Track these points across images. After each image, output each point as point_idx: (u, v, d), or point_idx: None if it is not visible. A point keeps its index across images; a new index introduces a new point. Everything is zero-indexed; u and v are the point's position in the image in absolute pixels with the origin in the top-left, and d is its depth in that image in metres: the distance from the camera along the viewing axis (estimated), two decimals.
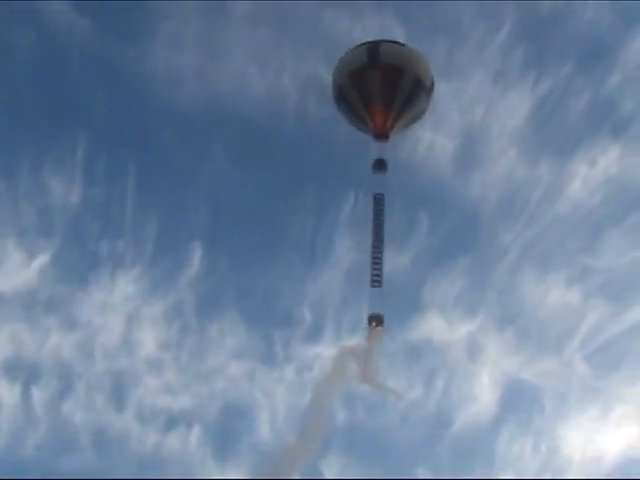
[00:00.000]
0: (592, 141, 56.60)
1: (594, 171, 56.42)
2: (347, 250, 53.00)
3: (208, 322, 55.51)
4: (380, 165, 39.55)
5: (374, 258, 38.87)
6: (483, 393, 53.32)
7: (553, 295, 54.85)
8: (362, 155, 52.96)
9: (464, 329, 53.93)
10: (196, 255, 56.11)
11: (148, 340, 54.85)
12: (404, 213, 49.64)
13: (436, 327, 52.86)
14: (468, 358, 53.71)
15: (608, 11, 55.13)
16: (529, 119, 55.79)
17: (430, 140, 51.98)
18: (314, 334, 52.36)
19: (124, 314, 55.17)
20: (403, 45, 39.01)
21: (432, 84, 39.15)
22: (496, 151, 55.68)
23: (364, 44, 38.87)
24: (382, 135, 39.55)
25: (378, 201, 39.54)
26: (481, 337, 54.05)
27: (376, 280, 38.56)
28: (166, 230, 56.70)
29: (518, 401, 54.52)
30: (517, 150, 55.76)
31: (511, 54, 54.43)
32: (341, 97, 39.74)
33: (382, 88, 38.44)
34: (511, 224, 55.58)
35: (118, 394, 52.95)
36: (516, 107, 55.47)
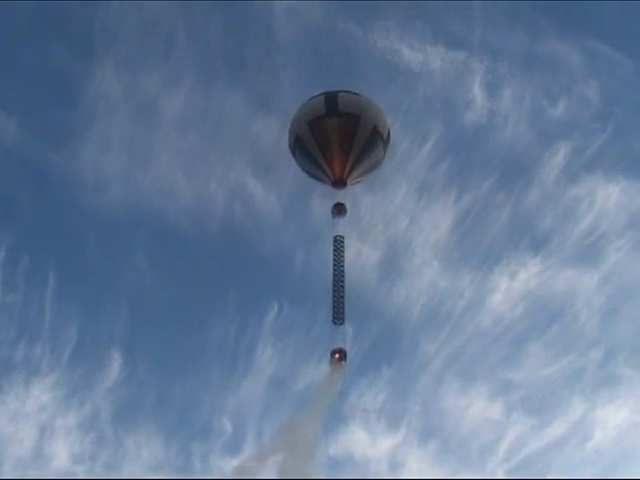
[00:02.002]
0: (512, 255, 58.36)
1: (514, 284, 57.84)
2: (269, 359, 54.64)
3: (124, 433, 54.08)
4: (339, 209, 40.34)
5: (335, 296, 39.15)
6: None
7: (475, 408, 55.07)
8: (288, 265, 55.41)
9: (387, 443, 53.48)
10: (115, 363, 55.35)
11: (61, 452, 53.05)
12: (327, 320, 50.65)
13: (358, 440, 52.12)
14: (390, 473, 52.76)
15: (527, 130, 58.46)
16: (451, 232, 57.39)
17: (355, 250, 51.38)
18: (234, 446, 51.81)
19: (37, 424, 53.74)
20: (360, 95, 40.02)
21: (389, 134, 40.24)
22: (419, 262, 56.78)
23: (322, 94, 39.76)
24: (340, 182, 40.22)
25: (338, 242, 40.14)
26: (403, 451, 53.61)
27: (338, 317, 38.85)
28: (85, 336, 56.04)
29: None
30: (440, 262, 57.03)
31: (435, 169, 56.31)
32: (298, 146, 40.32)
33: (340, 135, 39.07)
34: (434, 335, 56.04)
35: None
36: (439, 220, 57.19)
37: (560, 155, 58.25)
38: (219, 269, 57.98)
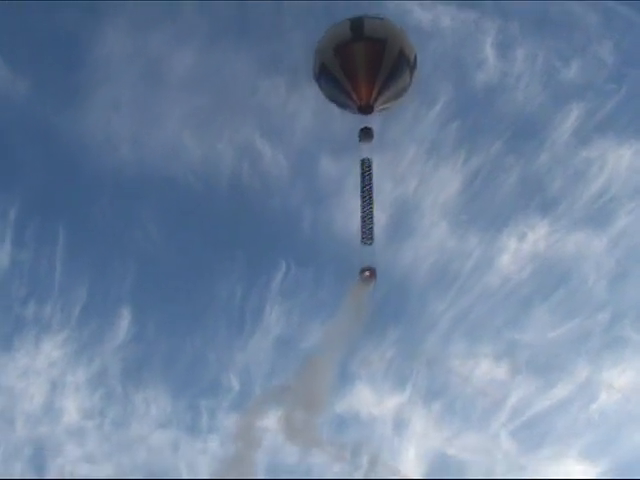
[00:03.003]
0: (521, 217, 58.20)
1: (523, 246, 57.78)
2: (277, 319, 54.64)
3: (133, 390, 54.43)
4: (366, 133, 40.13)
5: (364, 217, 39.51)
6: (409, 468, 51.25)
7: (480, 369, 54.67)
8: (296, 225, 55.25)
9: (392, 401, 53.44)
10: (123, 321, 55.53)
11: (71, 407, 53.35)
12: (334, 281, 50.53)
13: (364, 399, 52.21)
14: (394, 432, 52.85)
15: (539, 91, 58.12)
16: (460, 193, 57.34)
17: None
18: (241, 403, 51.75)
19: (47, 380, 53.91)
20: (386, 19, 39.80)
21: (415, 60, 39.89)
22: (428, 223, 56.80)
23: (346, 20, 39.51)
24: (367, 107, 39.89)
25: (366, 165, 40.03)
26: (408, 411, 53.67)
27: (367, 237, 39.07)
28: (94, 295, 56.18)
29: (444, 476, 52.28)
30: (448, 223, 57.03)
31: (444, 129, 56.02)
32: (323, 72, 39.92)
33: (366, 60, 38.81)
34: (441, 295, 55.92)
35: (38, 462, 51.31)
36: (448, 181, 56.98)
37: (572, 117, 58.13)
38: (227, 228, 58.11)
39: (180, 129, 58.08)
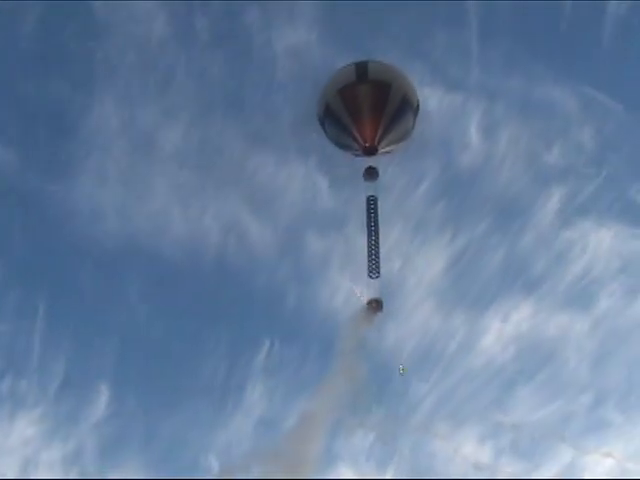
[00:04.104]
0: (505, 297, 58.40)
1: (507, 326, 57.82)
2: (259, 398, 54.18)
3: (109, 469, 52.63)
4: (371, 173, 40.58)
5: (370, 251, 39.68)
6: None
7: (464, 451, 52.09)
8: (281, 302, 55.15)
9: None
10: (102, 397, 54.48)
11: None
12: (318, 359, 51.28)
13: None
14: None
15: (522, 173, 59.14)
16: (445, 272, 56.74)
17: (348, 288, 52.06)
18: None
19: (20, 458, 52.49)
20: (390, 64, 40.61)
21: (418, 105, 40.41)
22: (412, 302, 55.67)
23: (352, 63, 40.22)
24: (371, 148, 40.27)
25: (372, 202, 40.59)
26: None
27: (374, 271, 39.48)
28: (73, 370, 55.20)
29: None
30: (433, 302, 56.39)
31: (430, 209, 56.11)
32: (328, 114, 40.37)
33: (371, 102, 39.34)
34: (425, 376, 54.56)
35: None
36: (433, 260, 56.28)
37: (554, 199, 58.96)
38: (211, 304, 57.21)
39: (167, 203, 58.09)
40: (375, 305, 39.42)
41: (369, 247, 39.88)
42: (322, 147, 50.39)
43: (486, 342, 57.42)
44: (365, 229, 40.43)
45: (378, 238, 39.93)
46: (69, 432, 53.69)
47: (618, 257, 58.88)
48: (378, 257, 39.69)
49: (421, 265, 55.39)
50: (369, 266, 39.60)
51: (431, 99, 52.53)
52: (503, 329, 57.37)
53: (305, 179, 54.79)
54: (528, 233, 59.00)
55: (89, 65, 57.80)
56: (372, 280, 39.57)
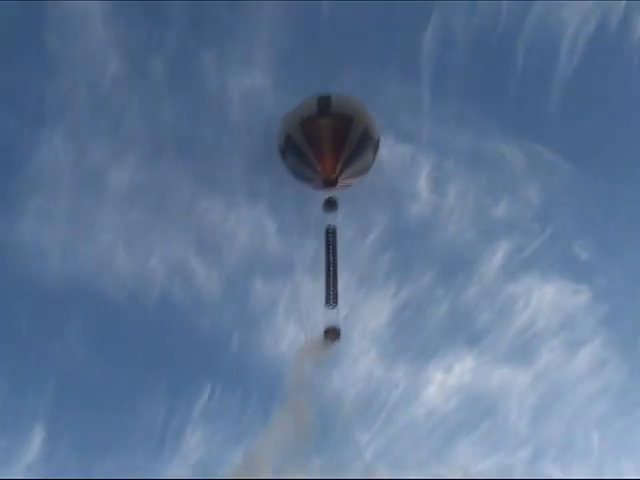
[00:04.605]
0: (449, 349, 58.39)
1: (449, 378, 57.80)
2: (197, 443, 53.62)
3: None
4: (330, 204, 40.82)
5: (328, 281, 39.66)
6: None
7: None
8: (224, 345, 54.69)
9: None
10: (36, 438, 53.31)
11: None
12: (260, 406, 51.20)
13: None
14: None
15: (469, 226, 59.48)
16: (390, 323, 56.97)
17: (293, 335, 51.36)
18: None
19: None
20: (354, 98, 40.79)
21: (379, 140, 40.73)
22: (356, 352, 54.83)
23: (315, 96, 40.14)
24: (331, 180, 40.24)
25: (331, 233, 40.87)
26: None
27: (332, 300, 39.54)
28: (7, 409, 53.89)
29: None
30: (376, 352, 56.33)
31: (377, 259, 55.72)
32: (289, 144, 40.27)
33: (332, 134, 39.36)
34: (367, 425, 54.11)
35: None
36: (378, 310, 56.41)
37: (500, 253, 59.45)
38: (153, 347, 56.31)
39: (113, 243, 57.16)
40: (333, 333, 39.15)
41: (327, 277, 39.84)
42: (272, 192, 51.06)
43: (428, 393, 57.39)
44: (319, 266, 40.79)
45: (336, 268, 39.85)
46: (0, 473, 51.57)
47: (560, 312, 59.51)
48: (336, 287, 39.68)
49: (366, 315, 55.09)
50: (327, 295, 39.54)
51: (382, 150, 53.09)
52: (445, 381, 56.44)
53: (254, 223, 54.05)
54: (473, 286, 59.24)
55: (40, 101, 57.21)
56: (329, 310, 39.60)
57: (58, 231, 57.10)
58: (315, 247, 48.20)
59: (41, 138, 57.46)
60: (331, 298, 39.45)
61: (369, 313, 55.43)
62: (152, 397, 55.12)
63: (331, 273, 39.81)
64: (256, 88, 57.36)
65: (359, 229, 52.21)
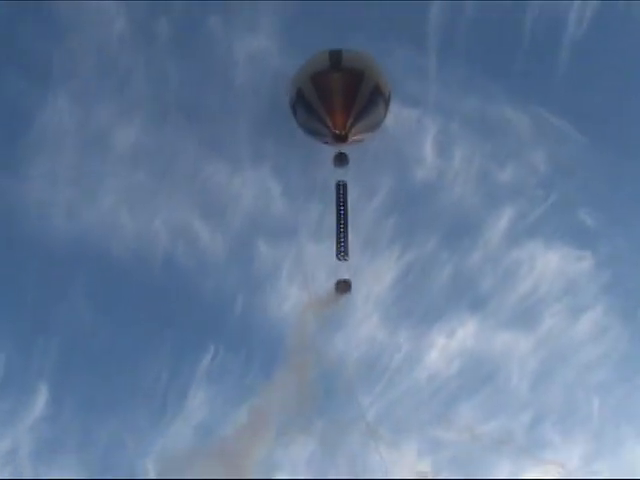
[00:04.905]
0: (452, 313, 58.08)
1: (452, 342, 57.66)
2: (200, 404, 53.16)
3: (44, 470, 51.47)
4: (341, 159, 41.14)
5: (339, 234, 40.40)
6: None
7: (404, 465, 52.01)
8: (228, 307, 54.74)
9: None
10: (40, 398, 53.16)
11: None
12: (263, 368, 51.26)
13: None
14: None
15: (474, 191, 59.05)
16: (393, 287, 56.58)
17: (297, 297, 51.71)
18: None
19: None
20: (365, 53, 41.26)
21: (389, 96, 41.04)
22: (359, 315, 55.05)
23: (326, 50, 40.64)
24: (341, 136, 40.41)
25: (342, 187, 41.37)
26: None
27: (343, 253, 40.38)
28: (11, 369, 53.65)
29: None
30: (379, 316, 56.08)
31: (381, 223, 55.34)
32: (300, 99, 40.59)
33: (343, 89, 39.60)
34: (369, 388, 54.38)
35: None
36: (381, 274, 56.01)
37: (504, 218, 59.29)
38: (157, 307, 56.05)
39: (117, 204, 56.72)
40: (344, 286, 40.15)
41: (338, 230, 40.63)
42: (277, 155, 51.06)
43: (431, 357, 57.25)
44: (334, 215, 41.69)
45: (347, 222, 40.52)
46: (4, 432, 52.37)
47: (563, 278, 59.50)
48: (347, 240, 40.43)
49: (369, 278, 55.14)
50: (338, 249, 40.44)
51: (388, 114, 53.21)
52: (448, 345, 56.75)
53: (259, 186, 53.97)
54: (477, 251, 58.97)
55: (46, 63, 56.51)
56: (340, 262, 40.46)
57: (63, 192, 56.76)
58: (320, 210, 48.96)
59: (46, 99, 56.92)
60: (342, 251, 40.38)
61: (372, 276, 55.47)
62: (155, 358, 54.75)
63: (341, 227, 40.28)
64: (262, 50, 56.49)
65: (363, 192, 52.16)
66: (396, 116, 53.92)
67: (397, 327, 56.04)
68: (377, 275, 54.92)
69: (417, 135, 56.76)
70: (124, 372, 54.56)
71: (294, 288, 50.91)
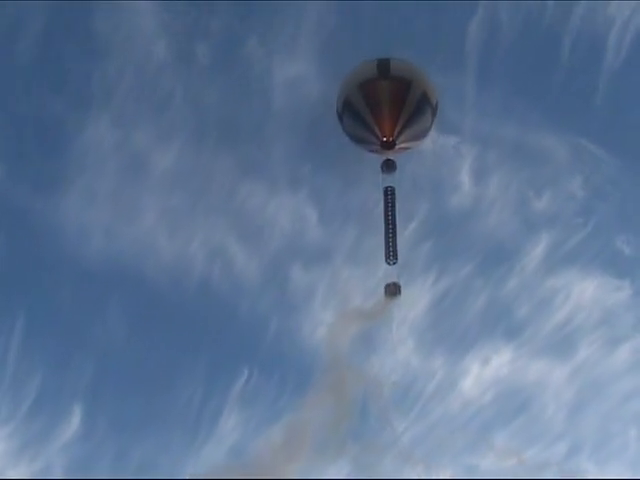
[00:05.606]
0: (486, 340, 57.81)
1: (486, 370, 57.42)
2: (233, 427, 53.32)
3: None
4: (388, 165, 41.17)
5: (388, 239, 40.36)
6: None
7: None
8: (262, 332, 54.62)
9: None
10: (74, 418, 53.20)
11: None
12: (295, 391, 51.38)
13: None
14: None
15: (511, 218, 58.75)
16: (428, 312, 56.21)
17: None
18: None
19: None
20: (412, 63, 41.28)
21: (437, 105, 41.05)
22: (394, 340, 53.35)
23: (374, 59, 40.89)
24: (389, 143, 40.61)
25: (389, 192, 41.42)
26: None
27: (392, 257, 40.23)
28: (47, 388, 53.69)
29: None
30: (414, 341, 55.52)
31: (417, 248, 54.32)
32: (347, 107, 40.85)
33: (391, 97, 39.86)
34: (402, 415, 53.28)
35: None
36: (417, 299, 55.11)
37: (541, 246, 58.93)
38: (192, 330, 56.05)
39: (154, 226, 56.92)
40: (393, 288, 40.00)
41: (386, 235, 40.60)
42: (314, 179, 51.04)
43: (465, 384, 56.90)
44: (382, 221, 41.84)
45: (395, 227, 40.54)
46: (38, 451, 52.20)
47: (600, 308, 58.91)
48: (395, 244, 40.33)
49: (405, 303, 54.60)
50: (387, 253, 40.36)
51: (426, 140, 53.24)
52: (482, 372, 56.19)
53: (295, 210, 54.04)
54: (513, 278, 58.55)
55: (87, 84, 57.11)
56: (389, 266, 40.42)
57: (101, 213, 56.99)
58: (355, 235, 48.87)
59: (86, 121, 57.24)
60: (391, 255, 40.30)
61: (408, 301, 54.90)
62: (190, 380, 54.91)
63: (390, 231, 40.31)
64: (300, 74, 56.56)
65: (400, 217, 52.27)
66: (434, 142, 54.03)
67: (432, 353, 55.70)
68: (412, 300, 54.31)
69: (454, 162, 56.35)
70: (158, 393, 54.52)
71: (328, 313, 50.30)
